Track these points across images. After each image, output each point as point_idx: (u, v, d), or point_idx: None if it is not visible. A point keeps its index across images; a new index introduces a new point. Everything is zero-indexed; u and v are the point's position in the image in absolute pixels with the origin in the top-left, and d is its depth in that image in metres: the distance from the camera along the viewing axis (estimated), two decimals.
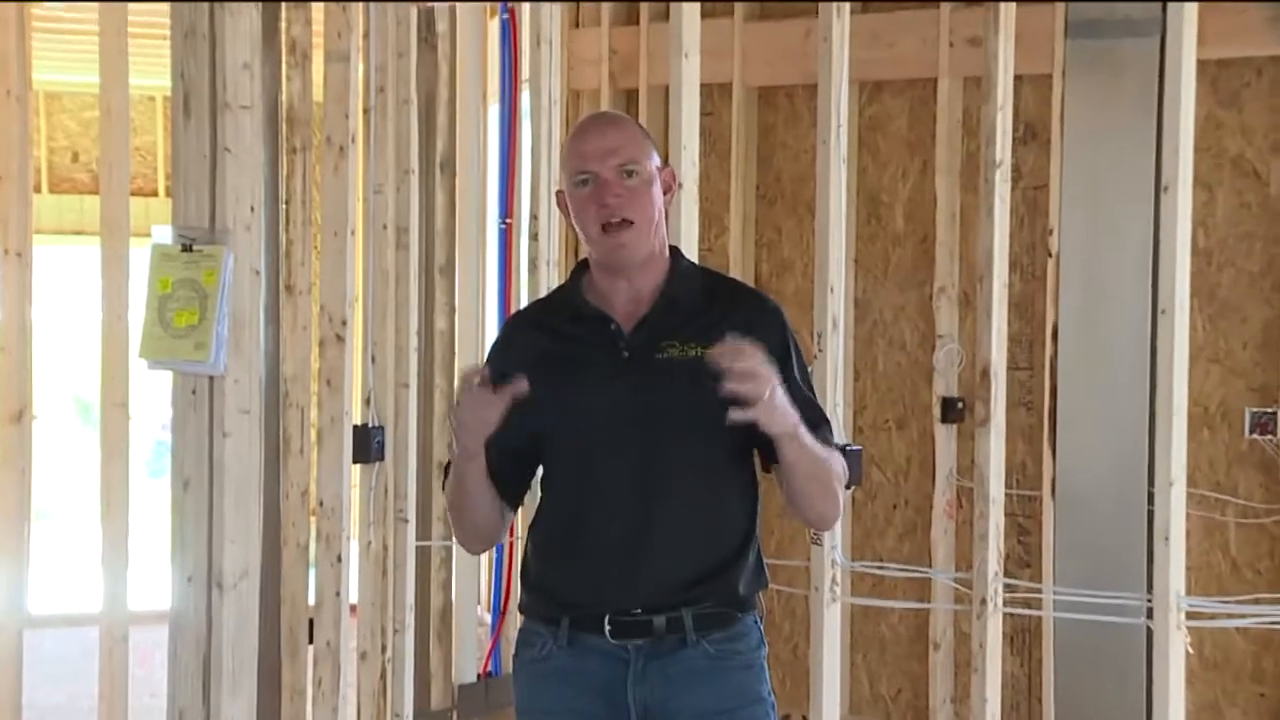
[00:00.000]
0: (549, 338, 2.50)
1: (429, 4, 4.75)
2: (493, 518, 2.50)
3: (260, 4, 3.25)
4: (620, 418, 2.40)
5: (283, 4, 4.29)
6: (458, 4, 4.95)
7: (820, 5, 3.68)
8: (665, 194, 2.49)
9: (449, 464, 2.50)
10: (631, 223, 2.41)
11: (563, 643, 2.45)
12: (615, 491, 2.40)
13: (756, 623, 2.51)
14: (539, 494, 2.55)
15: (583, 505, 2.43)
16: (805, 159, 5.23)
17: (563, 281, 2.69)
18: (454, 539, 2.64)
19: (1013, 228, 4.11)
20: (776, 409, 2.25)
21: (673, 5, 3.69)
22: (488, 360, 2.57)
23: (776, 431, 2.28)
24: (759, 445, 2.43)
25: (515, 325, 2.68)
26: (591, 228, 2.43)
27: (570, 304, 2.52)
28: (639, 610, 2.40)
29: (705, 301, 2.48)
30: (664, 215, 2.49)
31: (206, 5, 3.16)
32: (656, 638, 2.41)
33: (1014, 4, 3.72)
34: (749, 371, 2.20)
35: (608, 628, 2.40)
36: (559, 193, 2.55)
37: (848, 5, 3.70)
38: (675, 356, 2.40)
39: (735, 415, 2.21)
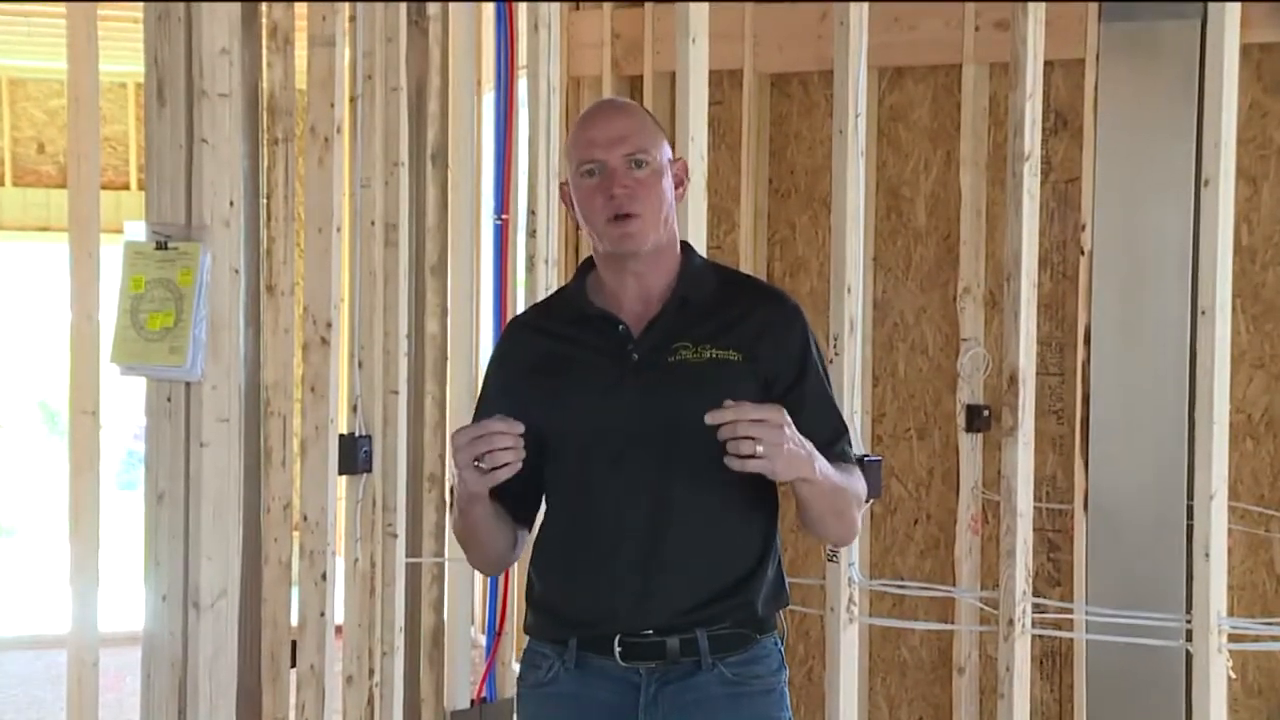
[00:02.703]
0: (551, 342, 2.50)
1: None
2: (506, 543, 2.51)
3: None
4: (630, 425, 2.40)
5: None
6: None
7: None
8: (677, 187, 2.50)
9: (452, 489, 2.48)
10: (638, 215, 2.41)
11: (570, 665, 2.45)
12: (625, 503, 2.40)
13: (777, 644, 2.51)
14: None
15: (590, 518, 2.43)
16: (821, 150, 5.23)
17: (564, 282, 2.70)
18: (468, 561, 2.63)
19: (1042, 223, 4.11)
20: (784, 456, 2.22)
21: None
22: (486, 373, 2.58)
23: (790, 478, 2.27)
24: None
25: (513, 332, 2.67)
26: (597, 219, 2.43)
27: (574, 305, 2.52)
28: (650, 631, 2.40)
29: (720, 300, 2.48)
30: (674, 209, 2.50)
31: None
32: (670, 661, 2.40)
33: None
34: (747, 433, 2.19)
35: (618, 649, 2.40)
36: (562, 184, 2.56)
37: None
38: (689, 359, 2.41)
39: (736, 466, 2.19)
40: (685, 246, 2.55)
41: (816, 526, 2.43)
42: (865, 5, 3.71)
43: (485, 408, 2.47)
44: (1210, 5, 3.43)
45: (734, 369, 2.40)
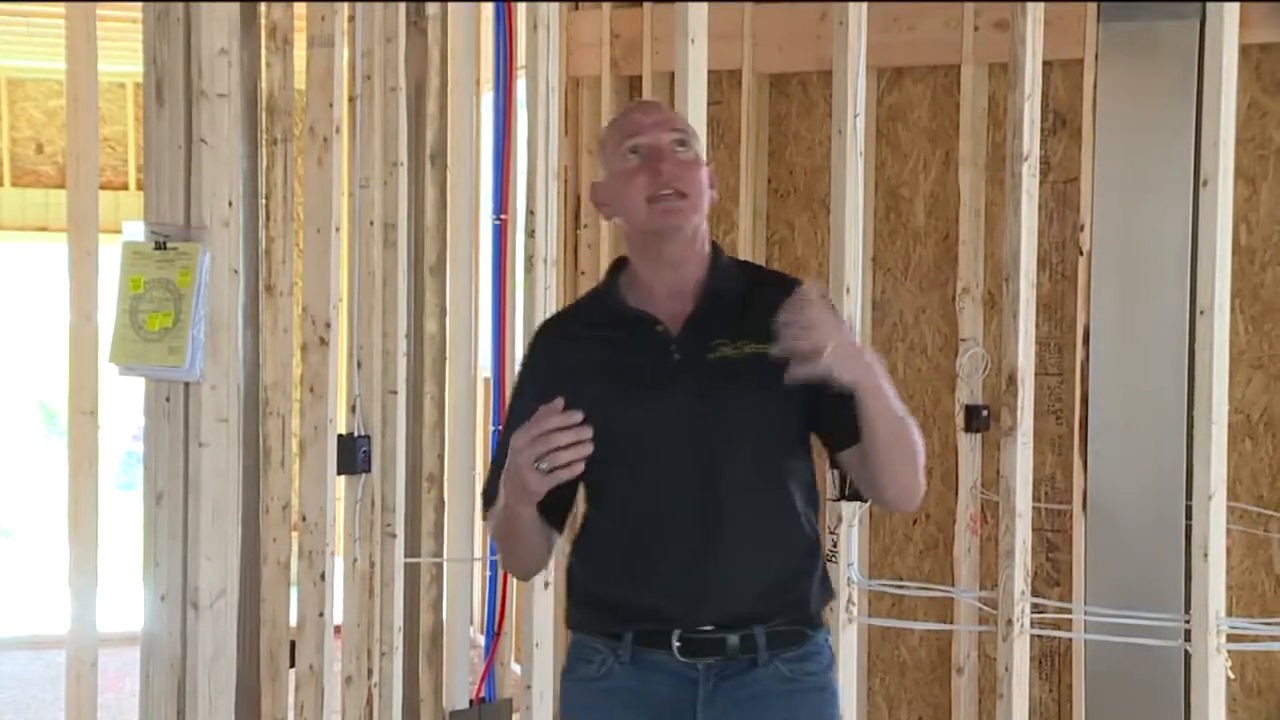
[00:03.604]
0: (586, 346, 2.50)
1: None
2: (544, 545, 2.50)
3: None
4: (677, 424, 2.40)
5: None
6: None
7: None
8: (711, 189, 2.51)
9: (487, 489, 2.49)
10: (684, 195, 2.43)
11: (625, 660, 2.45)
12: (677, 501, 2.41)
13: (827, 640, 2.52)
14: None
15: (643, 518, 2.43)
16: (820, 151, 5.24)
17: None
18: (504, 565, 2.63)
19: (1041, 224, 4.11)
20: (851, 356, 2.23)
21: None
22: (518, 380, 2.57)
23: (855, 380, 2.25)
24: (828, 429, 2.43)
25: (545, 338, 2.65)
26: (637, 199, 2.44)
27: (608, 307, 2.53)
28: (710, 627, 2.41)
29: (750, 294, 2.49)
30: (707, 210, 2.51)
31: None
32: (728, 657, 2.41)
33: None
34: (807, 323, 2.20)
35: (676, 645, 2.41)
36: (594, 185, 2.58)
37: None
38: (730, 355, 2.42)
39: (797, 372, 2.20)
40: (714, 246, 2.56)
41: (882, 470, 2.39)
42: (864, 5, 3.72)
43: (519, 415, 2.41)
44: (1209, 5, 3.43)
45: (772, 360, 2.39)
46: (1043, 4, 3.67)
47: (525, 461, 2.22)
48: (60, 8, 4.49)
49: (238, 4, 3.30)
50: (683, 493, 2.40)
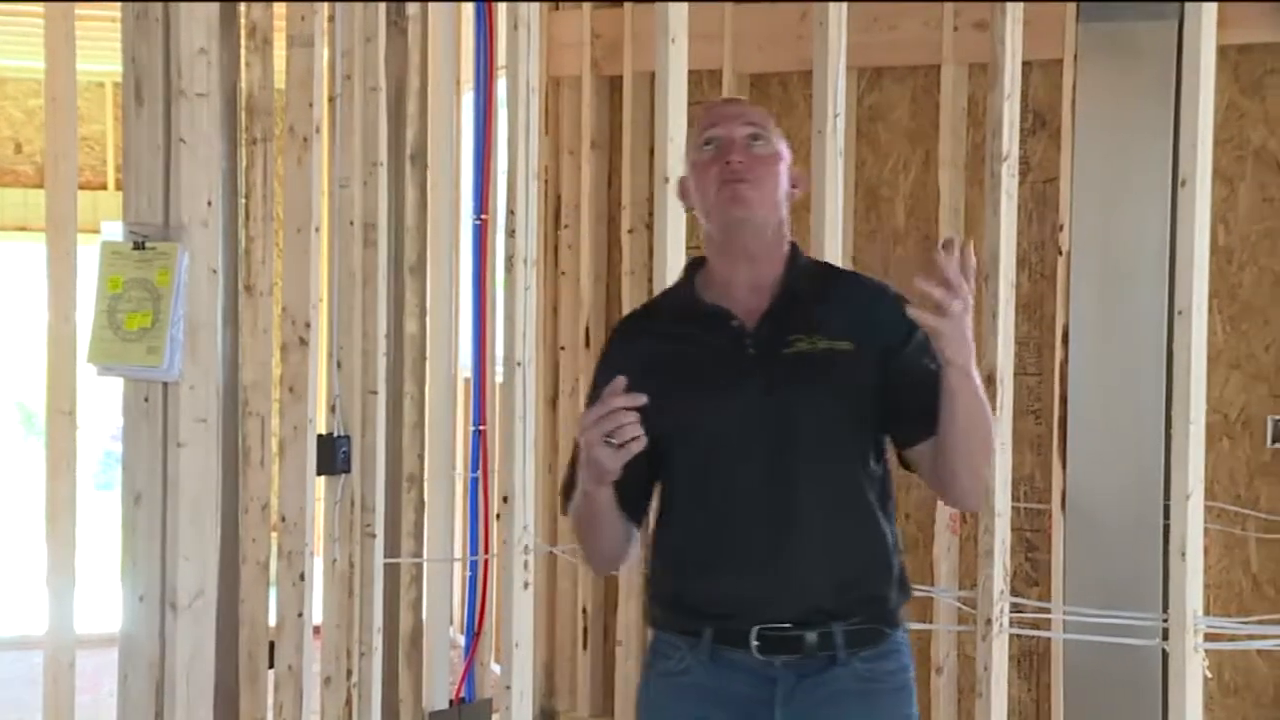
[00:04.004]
0: (662, 342, 2.51)
1: None
2: (624, 535, 2.51)
3: None
4: (752, 419, 2.41)
5: None
6: None
7: None
8: (793, 187, 2.53)
9: (566, 484, 2.50)
10: (751, 183, 2.44)
11: (704, 657, 2.46)
12: (752, 497, 2.41)
13: (905, 639, 2.53)
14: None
15: (718, 513, 2.44)
16: (800, 151, 5.19)
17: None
18: (586, 557, 2.64)
19: (1021, 224, 4.12)
20: (963, 330, 2.23)
21: None
22: (595, 376, 2.57)
23: (954, 356, 2.25)
24: (902, 421, 2.43)
25: (622, 334, 2.66)
26: (709, 191, 2.46)
27: (683, 303, 2.54)
28: (788, 624, 2.41)
29: (826, 292, 2.51)
30: (787, 206, 2.53)
31: None
32: (806, 654, 2.41)
33: None
34: (954, 276, 2.20)
35: (754, 643, 2.41)
36: (681, 180, 2.59)
37: None
38: (805, 350, 2.42)
39: (917, 314, 2.20)
40: (793, 245, 2.57)
41: (955, 459, 2.36)
42: (844, 5, 3.72)
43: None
44: (1187, 6, 3.44)
45: (847, 357, 2.43)
46: (1022, 4, 3.69)
47: (595, 438, 2.23)
48: (39, 7, 4.48)
49: (217, 4, 3.29)
50: (755, 488, 2.41)
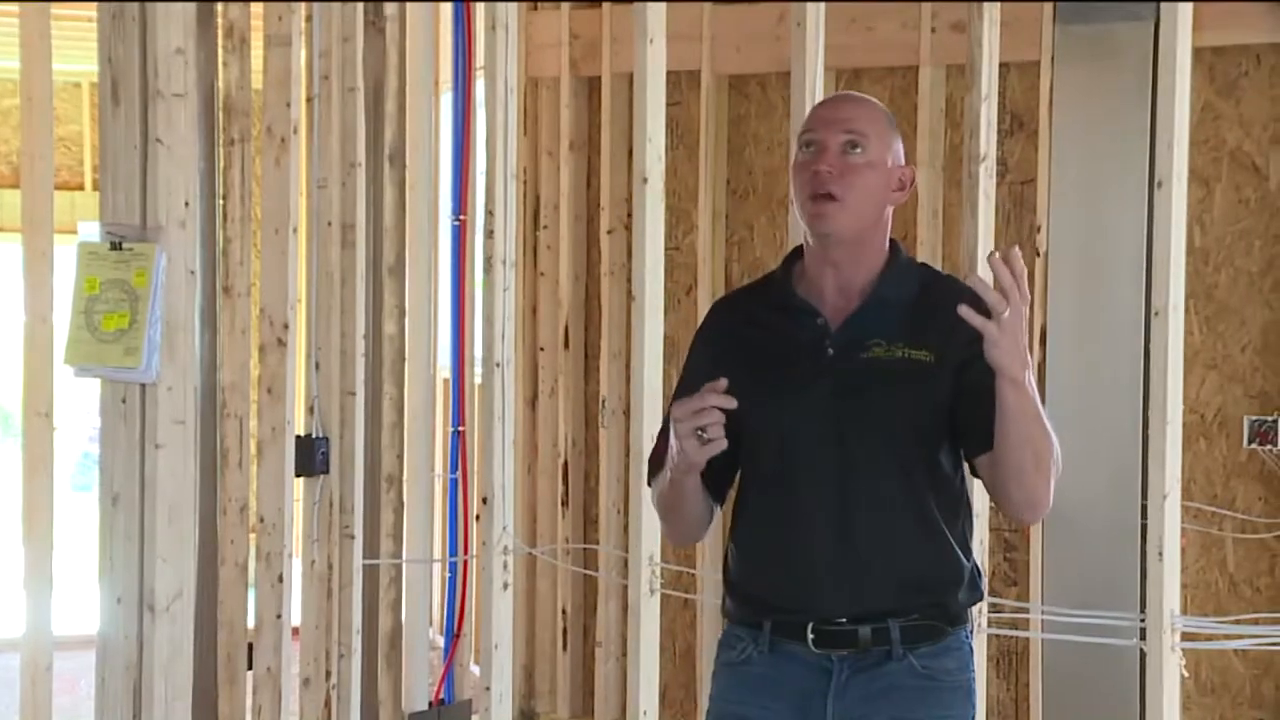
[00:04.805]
0: (753, 329, 2.54)
1: None
2: (705, 513, 2.55)
3: None
4: (822, 419, 2.42)
5: None
6: None
7: None
8: (898, 190, 2.51)
9: (654, 457, 2.54)
10: (836, 199, 2.42)
11: (764, 648, 2.49)
12: (817, 495, 2.43)
13: (968, 638, 2.53)
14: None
15: (784, 509, 2.46)
16: (779, 152, 5.24)
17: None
18: (666, 532, 2.71)
19: (998, 225, 4.13)
20: (1015, 338, 2.21)
21: None
22: (692, 348, 2.62)
23: (1004, 362, 2.23)
24: (963, 432, 2.42)
25: (721, 312, 2.69)
26: (801, 195, 2.46)
27: (779, 292, 2.55)
28: (844, 619, 2.43)
29: (920, 300, 2.49)
30: (889, 210, 2.50)
31: None
32: (861, 649, 2.43)
33: None
34: (1004, 286, 2.19)
35: (810, 636, 2.44)
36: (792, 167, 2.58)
37: None
38: (880, 356, 2.43)
39: (966, 313, 2.19)
40: (894, 245, 2.55)
41: (1010, 471, 2.34)
42: (821, 6, 3.73)
43: (692, 382, 2.47)
44: (1163, 7, 3.45)
45: (924, 368, 2.42)
46: (999, 5, 3.70)
47: (685, 431, 2.28)
48: (14, 6, 4.46)
49: (194, 4, 3.28)
50: (821, 487, 2.43)
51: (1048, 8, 4.56)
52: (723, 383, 2.27)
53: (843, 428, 2.43)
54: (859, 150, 2.45)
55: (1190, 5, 3.40)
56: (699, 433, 2.28)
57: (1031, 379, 2.28)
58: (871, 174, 2.46)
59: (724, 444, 2.29)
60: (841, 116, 2.48)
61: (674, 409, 2.32)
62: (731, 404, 2.26)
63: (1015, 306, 2.20)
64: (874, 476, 2.43)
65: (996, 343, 2.21)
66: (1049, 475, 2.37)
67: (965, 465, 2.51)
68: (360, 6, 4.47)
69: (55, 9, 4.40)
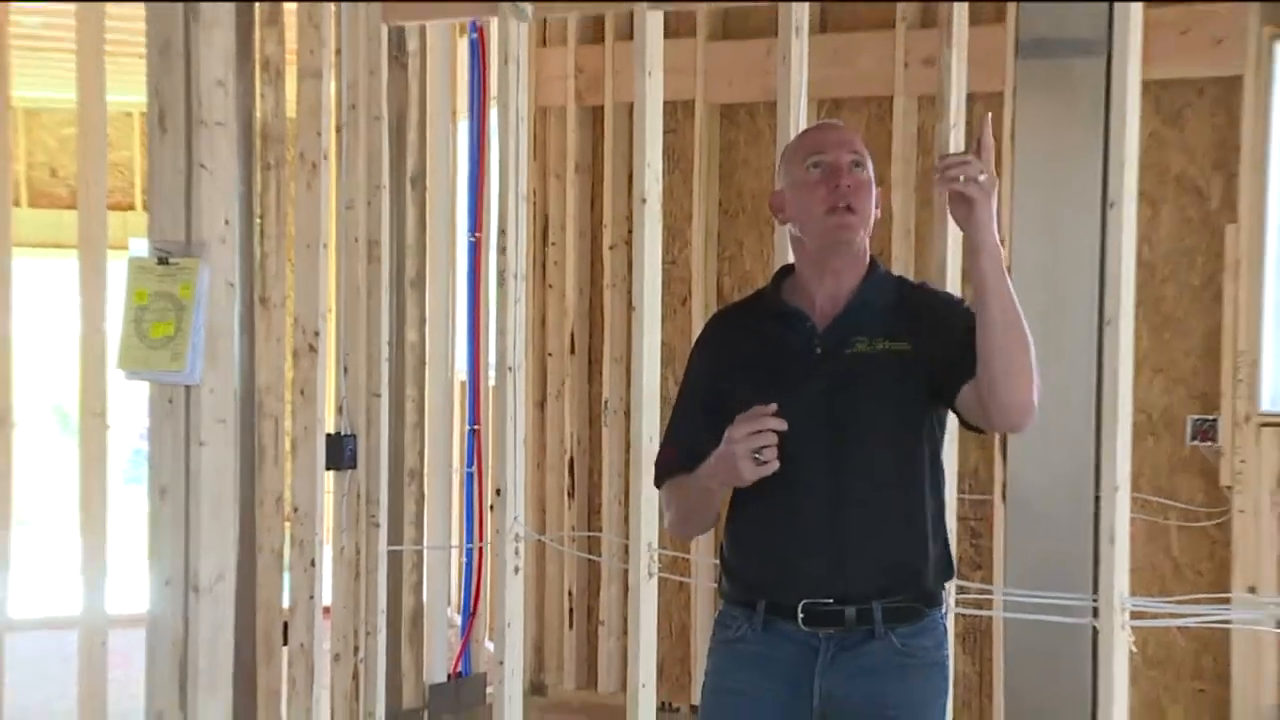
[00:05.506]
0: (748, 336, 2.56)
1: (400, 24, 4.74)
2: (715, 515, 2.57)
3: (234, 21, 3.25)
4: (812, 412, 2.43)
5: (256, 21, 4.28)
6: (428, 22, 4.95)
7: (780, 27, 3.69)
8: (877, 206, 2.54)
9: (662, 462, 2.58)
10: (855, 211, 2.45)
11: (757, 627, 2.50)
12: (809, 485, 2.44)
13: (942, 619, 2.54)
14: None
15: (778, 497, 2.45)
16: (766, 174, 5.25)
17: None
18: (683, 530, 2.71)
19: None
20: (989, 206, 2.23)
21: (637, 24, 3.71)
22: (691, 358, 2.63)
23: (983, 234, 2.24)
24: (948, 372, 2.40)
25: (717, 325, 2.71)
26: (815, 210, 2.47)
27: (770, 304, 2.57)
28: (831, 600, 2.44)
29: (897, 301, 2.52)
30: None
31: (182, 20, 3.16)
32: (847, 628, 2.44)
33: (966, 22, 3.75)
34: (985, 144, 2.23)
35: (800, 615, 2.44)
36: (775, 194, 2.59)
37: (806, 27, 3.71)
38: (864, 351, 2.45)
39: (948, 184, 2.21)
40: (873, 259, 2.57)
41: (998, 363, 2.29)
42: (805, 42, 3.73)
43: (692, 391, 2.56)
44: (1115, 41, 3.44)
45: (904, 358, 2.44)
46: (966, 38, 3.70)
47: (743, 451, 2.29)
48: (72, 41, 4.46)
49: (234, 38, 3.28)
50: (812, 477, 2.43)
51: (1010, 43, 4.56)
52: (773, 406, 2.29)
53: (834, 421, 2.44)
54: (861, 168, 2.49)
55: (1140, 14, 3.39)
56: (755, 455, 2.29)
57: (1001, 255, 2.27)
58: (872, 190, 2.51)
59: (777, 465, 2.30)
60: (845, 138, 2.53)
61: (731, 430, 2.32)
62: (783, 426, 2.28)
63: (989, 172, 2.23)
64: (863, 466, 2.44)
65: (977, 207, 2.23)
66: (1032, 369, 2.35)
67: (951, 417, 2.49)
68: (385, 42, 4.48)
69: (109, 45, 4.39)
